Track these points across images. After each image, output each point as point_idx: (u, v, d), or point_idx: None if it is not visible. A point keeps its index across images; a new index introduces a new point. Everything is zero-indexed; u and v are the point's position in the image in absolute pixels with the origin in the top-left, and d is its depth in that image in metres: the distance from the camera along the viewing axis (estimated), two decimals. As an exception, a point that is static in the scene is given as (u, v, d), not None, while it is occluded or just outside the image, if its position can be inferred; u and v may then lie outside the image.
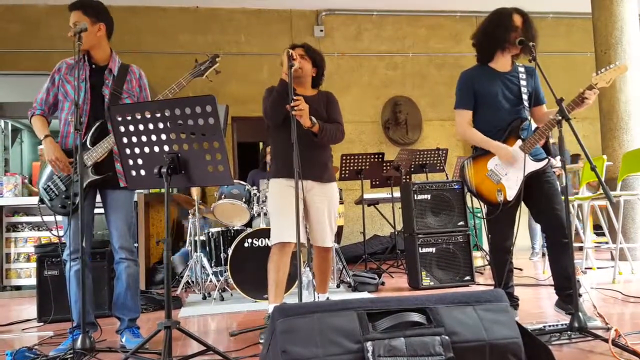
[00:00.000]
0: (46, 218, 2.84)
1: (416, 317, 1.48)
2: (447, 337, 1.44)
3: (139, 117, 2.33)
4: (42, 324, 3.70)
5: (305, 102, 2.97)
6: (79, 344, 2.48)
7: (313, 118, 3.01)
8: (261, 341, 2.80)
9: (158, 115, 2.30)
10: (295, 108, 2.87)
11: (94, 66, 2.91)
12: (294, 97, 2.89)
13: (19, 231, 5.41)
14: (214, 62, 2.92)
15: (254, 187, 4.63)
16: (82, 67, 2.86)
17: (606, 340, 2.29)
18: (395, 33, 8.78)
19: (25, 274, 5.37)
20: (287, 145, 2.78)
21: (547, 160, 2.92)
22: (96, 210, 3.02)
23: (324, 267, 3.36)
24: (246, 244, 4.26)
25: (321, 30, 8.46)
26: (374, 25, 8.73)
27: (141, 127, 2.34)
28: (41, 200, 2.90)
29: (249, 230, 4.37)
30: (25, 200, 5.25)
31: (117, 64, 2.96)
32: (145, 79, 3.06)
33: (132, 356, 2.41)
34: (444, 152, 6.21)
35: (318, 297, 3.42)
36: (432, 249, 4.45)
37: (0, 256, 5.35)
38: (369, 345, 1.41)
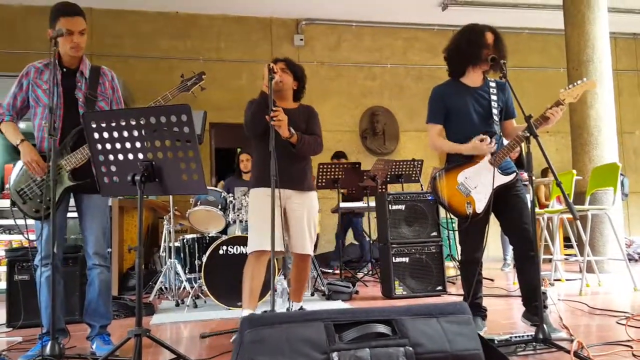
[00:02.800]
0: (18, 221, 2.81)
1: (382, 328, 1.52)
2: (410, 348, 1.48)
3: (113, 124, 2.33)
4: (10, 329, 3.65)
5: (285, 114, 3.02)
6: (48, 350, 2.46)
7: (292, 129, 3.07)
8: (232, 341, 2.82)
9: (133, 123, 2.31)
10: (275, 118, 2.93)
11: (64, 70, 2.89)
12: (274, 108, 2.95)
13: (-11, 234, 5.32)
14: (200, 79, 2.99)
15: (230, 195, 4.64)
16: (51, 72, 2.81)
17: (569, 352, 2.35)
18: (374, 44, 8.88)
19: (-5, 278, 5.28)
20: (267, 155, 2.85)
21: (515, 174, 2.99)
22: (69, 215, 2.99)
23: (301, 276, 3.40)
24: (221, 251, 4.26)
25: (301, 39, 8.51)
26: (353, 35, 8.82)
27: (116, 134, 2.35)
28: (13, 203, 2.85)
29: (224, 237, 4.37)
30: (-3, 202, 5.17)
31: (88, 66, 2.96)
32: (116, 80, 3.06)
33: (101, 364, 2.40)
34: (419, 163, 6.29)
35: (292, 306, 3.45)
36: (406, 259, 4.51)
37: (-30, 259, 5.25)
38: (334, 355, 1.44)
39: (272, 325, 1.49)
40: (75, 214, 2.95)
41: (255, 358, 1.42)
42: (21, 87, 2.89)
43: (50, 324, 2.55)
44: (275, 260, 3.95)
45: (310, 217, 3.28)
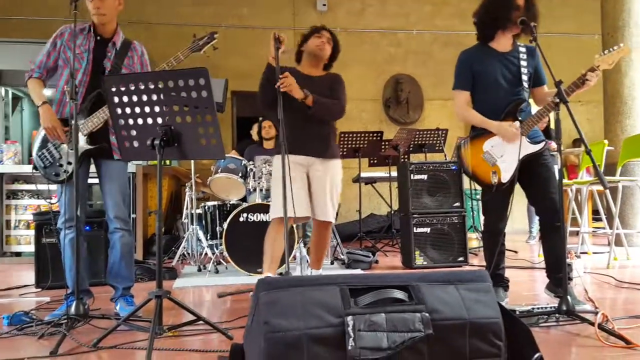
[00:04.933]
0: (42, 186, 2.86)
1: (398, 294, 1.49)
2: (427, 314, 1.45)
3: (132, 88, 2.33)
4: (39, 289, 3.75)
5: (310, 82, 3.08)
6: (73, 310, 2.53)
7: (305, 90, 3.05)
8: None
9: (152, 86, 2.30)
10: (283, 84, 2.96)
11: (98, 38, 2.89)
12: (280, 76, 2.98)
13: (19, 199, 5.46)
14: (212, 38, 2.94)
15: (251, 162, 4.63)
16: (86, 37, 2.87)
17: (593, 324, 2.30)
18: (400, 9, 8.65)
19: (25, 240, 5.44)
20: (291, 121, 2.85)
21: (544, 143, 2.90)
22: (93, 181, 3.04)
23: (322, 243, 3.40)
24: (241, 219, 4.28)
25: (324, 5, 8.35)
26: (378, 1, 8.60)
27: (135, 98, 2.34)
28: (35, 168, 2.90)
29: (244, 204, 4.39)
30: (26, 168, 5.28)
31: (121, 38, 2.96)
32: (146, 56, 3.05)
33: (124, 323, 2.45)
34: (444, 132, 6.18)
35: (311, 274, 3.46)
36: (427, 229, 4.47)
37: (1, 223, 5.40)
38: (349, 319, 1.42)
39: (288, 288, 1.47)
40: (97, 180, 2.99)
41: (269, 320, 1.41)
42: (55, 46, 2.89)
43: (74, 284, 2.61)
44: (295, 228, 3.98)
45: (333, 184, 3.28)
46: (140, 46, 3.03)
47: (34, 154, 2.91)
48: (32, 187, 5.40)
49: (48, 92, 2.94)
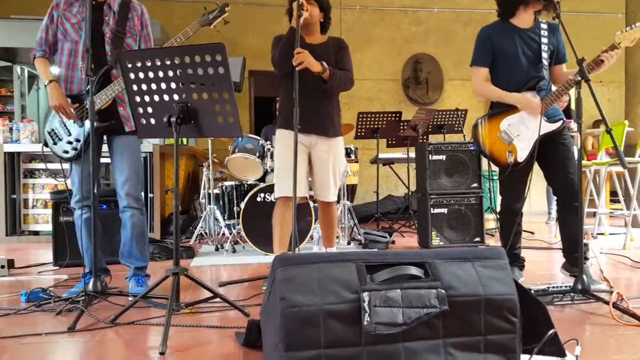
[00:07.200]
0: (52, 165, 2.83)
1: (414, 270, 1.49)
2: (442, 291, 1.45)
3: (148, 64, 2.32)
4: (57, 267, 3.81)
5: (312, 51, 2.95)
6: (90, 286, 2.57)
7: (324, 63, 2.98)
8: (264, 288, 2.86)
9: (168, 62, 2.29)
10: (298, 62, 2.84)
11: (93, 2, 2.74)
12: (296, 52, 2.85)
13: (36, 177, 5.53)
14: (223, 11, 2.87)
15: (268, 142, 4.63)
16: (82, 5, 2.76)
17: (607, 303, 2.30)
18: (421, -14, 8.51)
19: (43, 219, 5.52)
20: (293, 98, 2.78)
21: (561, 121, 2.85)
22: (107, 160, 3.00)
23: (328, 221, 3.36)
24: (259, 199, 4.30)
25: (343, -18, 8.23)
26: (399, -22, 8.47)
27: (151, 74, 2.34)
28: (45, 144, 2.87)
29: (261, 185, 4.41)
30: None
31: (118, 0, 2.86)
32: (147, 15, 2.96)
33: (141, 300, 2.48)
34: (463, 112, 6.11)
35: (326, 251, 3.46)
36: (444, 210, 4.44)
37: (19, 202, 5.48)
38: (365, 295, 1.42)
39: (304, 264, 1.48)
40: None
41: (286, 296, 1.42)
42: (52, 19, 2.81)
43: (91, 262, 2.64)
44: (295, 208, 3.98)
45: (335, 163, 3.22)
46: (140, 5, 2.93)
47: (45, 130, 2.89)
48: (49, 165, 5.46)
49: (56, 71, 2.87)
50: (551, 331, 1.54)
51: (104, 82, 2.74)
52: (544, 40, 2.89)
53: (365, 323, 1.40)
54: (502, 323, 1.48)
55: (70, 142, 2.81)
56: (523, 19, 2.90)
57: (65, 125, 2.83)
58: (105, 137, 2.91)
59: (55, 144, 2.86)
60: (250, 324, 1.96)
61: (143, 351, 2.01)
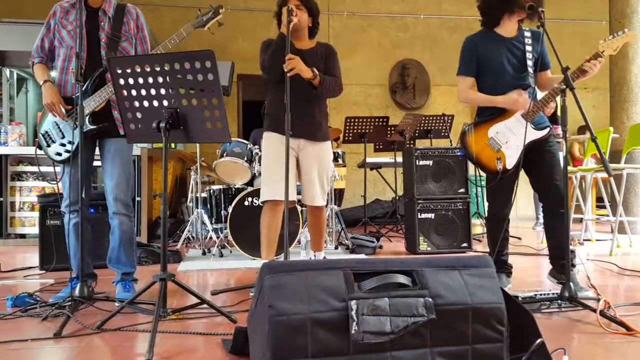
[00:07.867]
0: (44, 168, 2.83)
1: (401, 278, 1.50)
2: (430, 299, 1.46)
3: (138, 70, 2.32)
4: (43, 271, 3.78)
5: (301, 56, 2.96)
6: (77, 292, 2.55)
7: (315, 70, 3.00)
8: (251, 294, 2.85)
9: (158, 69, 2.29)
10: (290, 69, 2.87)
11: (89, 9, 2.80)
12: (288, 57, 2.88)
13: (23, 180, 5.49)
14: (217, 13, 2.86)
15: (256, 146, 4.63)
16: (78, 12, 2.76)
17: (595, 311, 2.31)
18: (408, -7, 8.57)
19: (29, 222, 5.47)
20: (282, 103, 2.79)
21: (548, 129, 2.89)
22: (99, 163, 2.99)
23: (317, 226, 3.37)
24: (246, 203, 4.30)
25: (332, -12, 8.27)
26: (387, -16, 8.53)
27: (141, 80, 2.33)
28: (39, 147, 2.87)
29: (249, 189, 4.40)
30: (30, 149, 5.30)
31: (113, 5, 2.86)
32: (142, 19, 2.96)
33: (128, 306, 2.47)
34: (450, 118, 6.15)
35: (314, 256, 3.47)
36: (431, 215, 4.47)
37: (6, 204, 5.43)
38: (353, 303, 1.43)
39: (292, 272, 1.48)
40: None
41: (274, 303, 1.43)
42: (49, 28, 2.85)
43: (78, 268, 2.61)
44: (300, 212, 3.97)
45: (323, 167, 3.23)
46: (135, 8, 2.94)
47: (39, 132, 2.89)
48: (36, 169, 5.41)
49: (53, 74, 2.91)
50: (538, 340, 1.55)
51: (99, 84, 2.75)
52: (528, 48, 2.92)
53: (353, 332, 1.41)
54: (490, 332, 1.49)
55: (63, 145, 2.81)
56: (507, 28, 2.93)
57: (59, 128, 2.83)
58: (97, 141, 2.90)
59: (48, 146, 2.85)
60: (238, 331, 1.96)
61: (130, 358, 2.00)
